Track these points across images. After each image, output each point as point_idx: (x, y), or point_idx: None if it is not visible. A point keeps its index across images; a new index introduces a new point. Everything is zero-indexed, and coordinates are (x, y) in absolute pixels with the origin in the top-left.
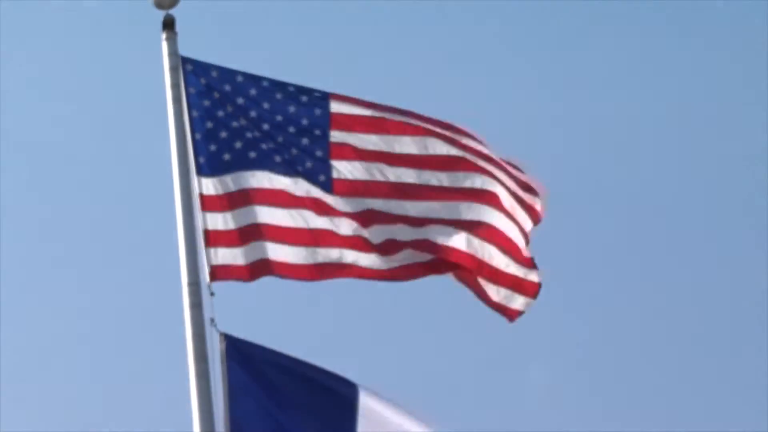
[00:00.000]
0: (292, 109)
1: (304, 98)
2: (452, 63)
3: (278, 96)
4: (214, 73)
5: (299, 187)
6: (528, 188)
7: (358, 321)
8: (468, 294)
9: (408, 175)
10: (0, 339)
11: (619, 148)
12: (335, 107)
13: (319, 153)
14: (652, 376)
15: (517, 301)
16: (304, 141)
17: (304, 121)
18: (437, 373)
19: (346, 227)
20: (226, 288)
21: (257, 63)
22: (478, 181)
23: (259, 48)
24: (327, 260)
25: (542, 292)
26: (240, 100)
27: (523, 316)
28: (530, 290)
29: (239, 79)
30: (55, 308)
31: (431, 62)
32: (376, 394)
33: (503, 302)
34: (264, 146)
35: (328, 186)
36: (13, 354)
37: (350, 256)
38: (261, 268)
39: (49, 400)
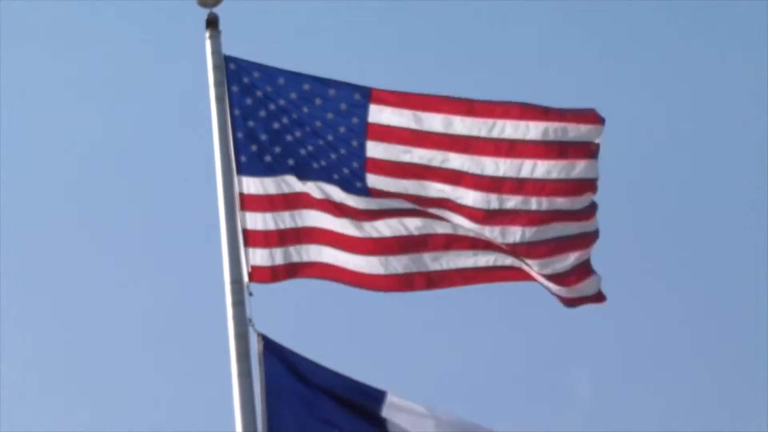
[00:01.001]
0: (330, 116)
1: (343, 106)
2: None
3: (318, 102)
4: (256, 73)
5: (335, 194)
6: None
7: (399, 325)
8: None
9: (440, 190)
10: (46, 335)
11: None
12: (374, 115)
13: (355, 165)
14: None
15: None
16: (342, 150)
17: (342, 129)
18: (477, 375)
19: (383, 229)
20: (262, 289)
21: (299, 62)
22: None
23: (301, 47)
24: (369, 270)
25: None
26: (281, 102)
27: (565, 318)
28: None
29: (281, 80)
30: (99, 305)
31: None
32: (403, 398)
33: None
34: (303, 151)
35: (365, 192)
36: (56, 351)
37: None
38: (306, 269)
39: (91, 399)
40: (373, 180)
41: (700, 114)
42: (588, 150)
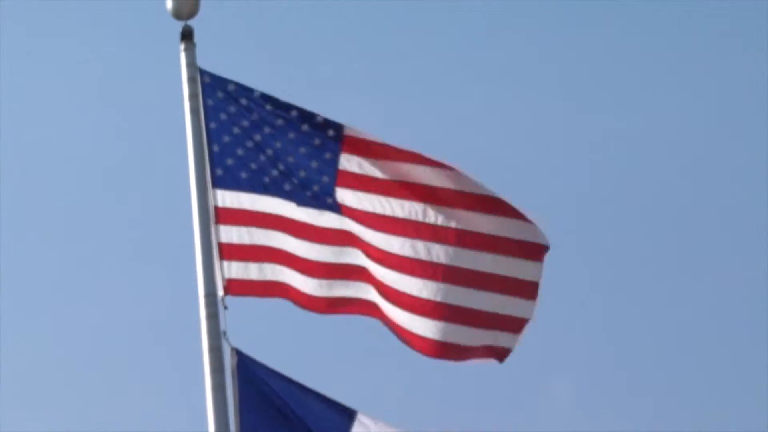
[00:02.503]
0: (302, 150)
1: (317, 141)
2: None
3: (291, 135)
4: (230, 87)
5: (307, 215)
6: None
7: (374, 341)
8: None
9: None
10: (14, 349)
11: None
12: (344, 162)
13: (325, 179)
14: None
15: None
16: (314, 164)
17: (313, 164)
18: (456, 386)
19: (354, 257)
20: (237, 303)
21: (275, 75)
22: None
23: (277, 60)
24: (339, 295)
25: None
26: (254, 117)
27: (545, 327)
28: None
29: (255, 96)
30: (70, 318)
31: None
32: (374, 417)
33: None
34: (275, 172)
35: (336, 208)
36: (27, 363)
37: (362, 291)
38: (274, 288)
39: (62, 411)
40: (342, 195)
41: (696, 123)
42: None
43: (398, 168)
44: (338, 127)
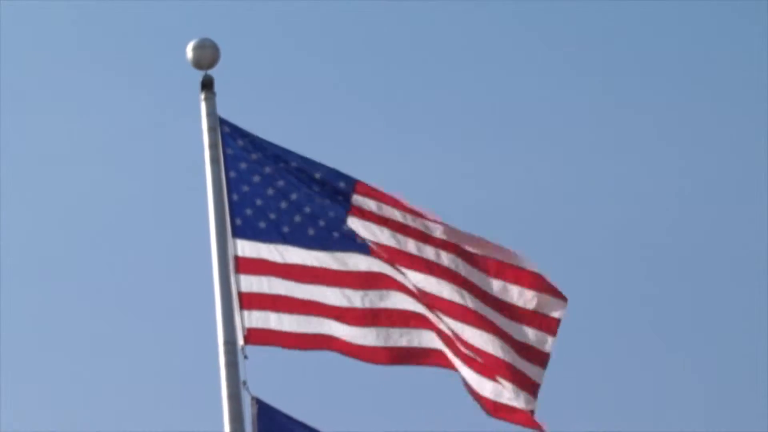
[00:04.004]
0: (318, 200)
1: (327, 201)
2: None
3: (305, 189)
4: (248, 140)
5: (327, 261)
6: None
7: (395, 395)
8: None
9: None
10: (42, 396)
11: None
12: (357, 200)
13: (342, 225)
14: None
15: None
16: (331, 213)
17: (330, 214)
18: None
19: (397, 301)
20: (258, 353)
21: (293, 125)
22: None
23: (295, 110)
24: (398, 345)
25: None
26: (269, 169)
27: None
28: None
29: (271, 151)
30: (91, 364)
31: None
32: None
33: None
34: (296, 219)
35: (365, 248)
36: (52, 405)
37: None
38: (297, 339)
39: None
40: (358, 203)
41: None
42: (549, 323)
43: (410, 217)
44: (350, 179)
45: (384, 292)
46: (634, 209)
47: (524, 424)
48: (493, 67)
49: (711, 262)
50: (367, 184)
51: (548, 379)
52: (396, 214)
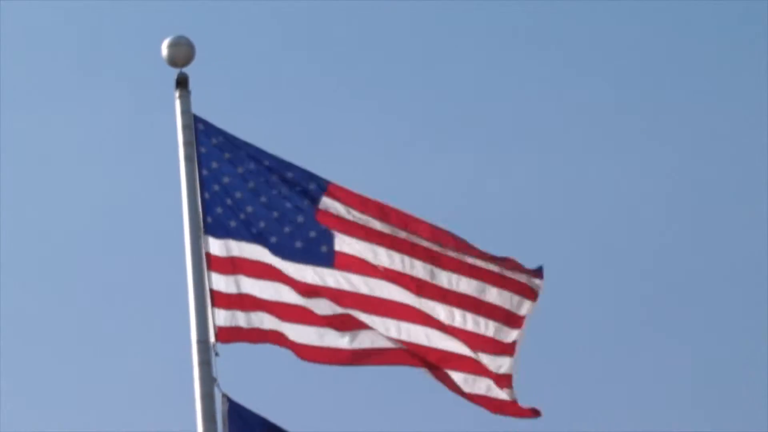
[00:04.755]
0: (288, 205)
1: (295, 203)
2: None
3: (275, 192)
4: (221, 138)
5: (294, 269)
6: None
7: (364, 395)
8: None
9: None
10: (11, 398)
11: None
12: (325, 203)
13: (312, 234)
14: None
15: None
16: (299, 219)
17: (299, 219)
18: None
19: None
20: (229, 350)
21: (269, 122)
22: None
23: (270, 107)
24: (331, 345)
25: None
26: (241, 170)
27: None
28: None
29: (245, 151)
30: (61, 363)
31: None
32: None
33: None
34: (262, 224)
35: (329, 260)
36: (24, 415)
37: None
38: (265, 335)
39: None
40: (339, 242)
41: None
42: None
43: (380, 223)
44: (322, 181)
45: (341, 308)
46: (630, 209)
47: (522, 415)
48: (483, 66)
49: (710, 265)
50: (339, 186)
51: (546, 377)
52: (366, 218)
